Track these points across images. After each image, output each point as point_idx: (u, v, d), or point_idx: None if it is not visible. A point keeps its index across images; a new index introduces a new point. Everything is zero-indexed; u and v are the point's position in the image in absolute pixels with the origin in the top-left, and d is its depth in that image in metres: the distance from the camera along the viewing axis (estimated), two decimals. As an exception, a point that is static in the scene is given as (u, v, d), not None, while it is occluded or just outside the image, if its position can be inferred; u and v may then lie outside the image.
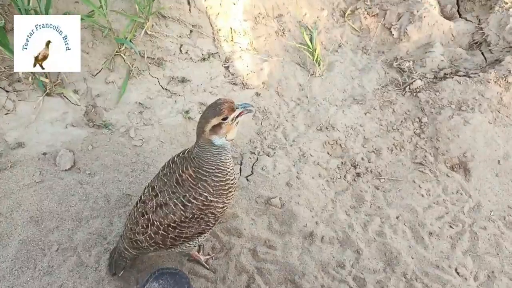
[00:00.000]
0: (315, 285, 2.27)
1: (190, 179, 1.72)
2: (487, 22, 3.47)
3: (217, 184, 1.73)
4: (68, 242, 2.26)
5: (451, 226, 2.58)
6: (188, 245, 1.95)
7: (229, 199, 1.82)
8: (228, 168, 1.76)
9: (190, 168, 1.73)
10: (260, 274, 2.28)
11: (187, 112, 2.91)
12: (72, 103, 2.79)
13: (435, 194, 2.71)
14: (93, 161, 2.59)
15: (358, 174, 2.78)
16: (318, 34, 3.50)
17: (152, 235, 1.81)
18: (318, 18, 3.63)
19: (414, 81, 3.19)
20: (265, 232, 2.44)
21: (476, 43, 3.51)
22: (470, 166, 2.80)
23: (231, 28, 3.27)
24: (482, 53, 3.42)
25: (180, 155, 1.85)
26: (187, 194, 1.72)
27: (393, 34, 3.55)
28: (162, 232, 1.79)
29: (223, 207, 1.82)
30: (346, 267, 2.35)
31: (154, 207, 1.78)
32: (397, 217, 2.58)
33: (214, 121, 1.60)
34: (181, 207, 1.73)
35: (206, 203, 1.74)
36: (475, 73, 3.18)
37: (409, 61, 3.36)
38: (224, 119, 1.60)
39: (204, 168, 1.71)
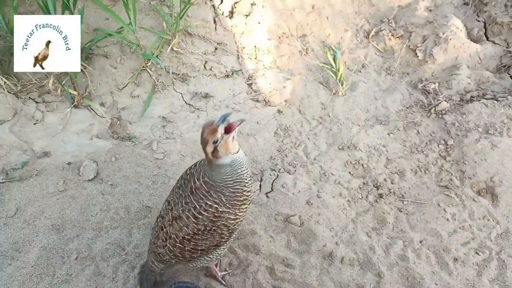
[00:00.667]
0: (334, 307, 2.19)
1: (204, 186, 1.72)
2: (516, 46, 3.41)
3: (233, 195, 1.71)
4: (87, 251, 2.27)
5: (477, 253, 2.47)
6: (208, 258, 1.93)
7: (242, 211, 1.79)
8: (246, 180, 1.75)
9: (205, 177, 1.72)
10: (277, 294, 2.23)
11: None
12: (98, 115, 2.86)
13: (460, 218, 2.61)
14: (115, 172, 2.63)
15: (380, 195, 2.71)
16: (342, 54, 3.51)
17: (171, 248, 1.82)
18: (342, 39, 3.65)
19: (440, 103, 3.13)
20: (284, 250, 2.39)
21: (504, 66, 3.44)
22: (498, 191, 2.70)
23: (255, 46, 3.32)
24: (511, 77, 3.34)
25: (193, 167, 1.86)
26: (197, 205, 1.71)
27: (418, 56, 3.53)
28: (179, 245, 1.80)
29: (236, 219, 1.79)
30: (366, 290, 2.27)
31: (171, 220, 1.80)
32: (420, 241, 2.49)
33: (209, 148, 1.60)
34: (193, 220, 1.73)
35: (217, 215, 1.72)
36: (503, 97, 3.11)
37: (435, 83, 3.32)
38: (215, 142, 1.59)
39: (219, 182, 1.70)
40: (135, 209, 2.46)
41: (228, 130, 1.60)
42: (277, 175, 2.76)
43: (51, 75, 2.72)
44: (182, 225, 1.75)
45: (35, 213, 2.37)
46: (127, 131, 2.87)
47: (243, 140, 2.92)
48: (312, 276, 2.30)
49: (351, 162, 2.89)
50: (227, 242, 1.92)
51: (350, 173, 2.85)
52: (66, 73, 2.78)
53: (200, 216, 1.71)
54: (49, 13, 2.53)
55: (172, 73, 3.08)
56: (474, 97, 3.19)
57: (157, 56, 3.00)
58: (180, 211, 1.75)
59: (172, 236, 1.79)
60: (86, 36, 2.86)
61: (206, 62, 3.18)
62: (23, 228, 2.32)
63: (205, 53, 3.21)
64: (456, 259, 2.42)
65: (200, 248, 1.81)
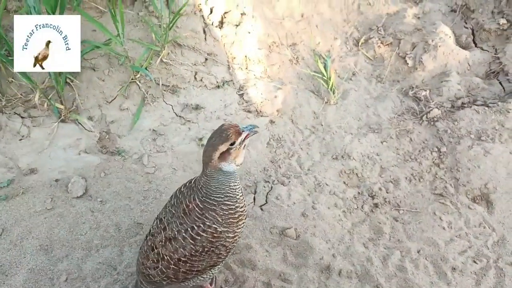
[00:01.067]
0: (333, 322, 2.15)
1: (196, 209, 1.67)
2: (504, 52, 3.44)
3: (226, 213, 1.67)
4: (77, 271, 2.19)
5: (475, 261, 2.45)
6: (202, 278, 1.87)
7: (239, 228, 1.75)
8: (238, 195, 1.70)
9: (197, 198, 1.67)
10: (274, 310, 2.17)
11: (200, 139, 2.88)
12: (86, 130, 2.79)
13: (457, 227, 2.60)
14: (105, 188, 2.55)
15: (375, 205, 2.69)
16: (332, 62, 3.50)
17: (164, 269, 1.75)
18: (331, 47, 3.65)
19: (431, 110, 3.14)
20: (280, 264, 2.34)
21: (493, 72, 3.47)
22: (493, 198, 2.70)
23: (245, 56, 3.29)
24: (500, 83, 3.37)
25: (187, 184, 1.81)
26: (194, 226, 1.65)
27: (407, 63, 3.54)
28: (173, 266, 1.72)
29: (234, 237, 1.74)
30: (365, 303, 2.24)
31: (163, 241, 1.72)
32: (418, 251, 2.47)
33: (222, 147, 1.55)
34: (191, 241, 1.66)
35: (216, 235, 1.67)
36: (494, 103, 3.13)
37: (425, 90, 3.32)
38: (232, 144, 1.56)
39: (212, 197, 1.65)
40: (126, 226, 2.39)
41: (239, 134, 1.58)
42: (271, 187, 2.72)
43: (37, 89, 2.64)
44: (177, 246, 1.68)
45: (22, 233, 2.28)
46: (116, 145, 2.80)
47: (235, 152, 2.87)
48: (310, 290, 2.25)
49: (345, 172, 2.86)
50: (223, 262, 1.87)
51: (344, 183, 2.82)
52: (52, 87, 2.71)
53: (199, 238, 1.65)
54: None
55: (162, 84, 3.03)
56: (465, 104, 3.20)
57: (146, 68, 2.94)
58: (176, 232, 1.69)
59: (166, 257, 1.71)
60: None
61: (196, 73, 3.14)
62: (10, 249, 2.23)
63: (195, 64, 3.16)
64: (454, 269, 2.40)
65: (196, 269, 1.74)
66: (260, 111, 3.14)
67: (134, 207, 2.49)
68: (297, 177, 2.79)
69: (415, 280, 2.33)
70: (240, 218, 1.73)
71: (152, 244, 1.77)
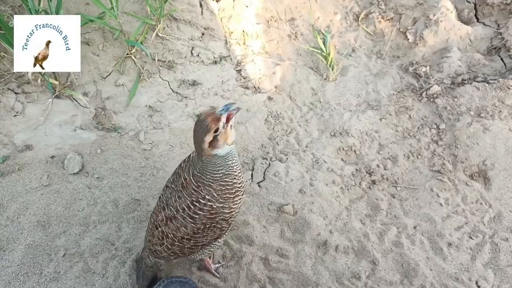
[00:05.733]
0: (329, 296, 2.18)
1: (193, 181, 1.66)
2: (507, 27, 3.37)
3: (223, 188, 1.65)
4: (75, 247, 2.20)
5: (471, 237, 2.47)
6: (209, 249, 1.90)
7: (236, 203, 1.74)
8: (236, 172, 1.68)
9: (196, 174, 1.65)
10: (272, 284, 2.20)
11: (198, 116, 2.85)
12: (82, 106, 2.74)
13: (454, 203, 2.61)
14: (101, 165, 2.53)
15: (373, 182, 2.69)
16: (332, 38, 3.44)
17: (169, 246, 1.76)
18: (331, 22, 3.57)
19: (431, 86, 3.10)
20: (277, 240, 2.36)
21: (495, 48, 3.41)
22: (490, 174, 2.70)
23: (243, 31, 3.21)
24: (502, 59, 3.31)
25: (186, 159, 1.80)
26: (190, 205, 1.64)
27: (408, 39, 3.47)
28: (178, 243, 1.74)
29: (231, 211, 1.74)
30: (361, 278, 2.26)
31: (165, 220, 1.72)
32: (414, 227, 2.48)
33: (208, 138, 1.52)
34: (190, 220, 1.66)
35: (213, 212, 1.66)
36: (494, 79, 3.09)
37: (426, 66, 3.27)
38: (216, 131, 1.52)
39: (208, 176, 1.63)
40: (124, 203, 2.39)
41: (227, 119, 1.54)
42: (269, 164, 2.71)
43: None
44: (179, 225, 1.68)
45: (19, 210, 2.28)
46: (112, 121, 2.77)
47: (233, 128, 2.84)
48: (307, 265, 2.27)
49: (343, 149, 2.84)
50: (227, 232, 1.89)
51: (342, 160, 2.81)
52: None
53: (197, 216, 1.65)
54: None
55: (158, 60, 2.97)
56: (465, 80, 3.16)
57: (141, 43, 2.88)
58: (175, 212, 1.68)
59: (169, 235, 1.72)
60: (66, 23, 2.72)
61: (193, 48, 3.07)
62: (7, 225, 2.22)
63: (191, 39, 3.09)
64: (450, 244, 2.42)
65: (200, 243, 1.76)
66: (258, 88, 3.09)
67: (131, 183, 2.48)
68: (295, 154, 2.78)
69: (411, 255, 2.35)
70: (236, 193, 1.71)
71: (155, 223, 1.78)
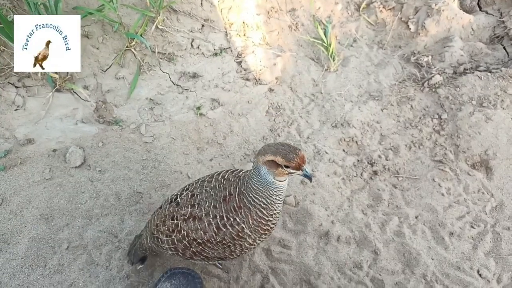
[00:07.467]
0: (331, 286, 2.19)
1: (237, 199, 1.64)
2: (510, 16, 3.34)
3: (259, 219, 1.65)
4: (79, 240, 2.21)
5: (472, 226, 2.47)
6: (206, 263, 1.87)
7: (259, 240, 1.73)
8: (275, 210, 1.67)
9: (242, 192, 1.64)
10: (274, 275, 2.21)
11: (198, 108, 2.85)
12: (82, 99, 2.74)
13: (455, 193, 2.61)
14: (103, 158, 2.54)
15: (375, 172, 2.68)
16: (333, 28, 3.41)
17: (175, 241, 1.75)
18: (332, 12, 3.54)
19: (433, 76, 3.08)
20: (280, 231, 2.36)
21: (498, 37, 3.38)
22: (492, 164, 2.69)
23: (243, 22, 3.19)
24: (504, 48, 3.29)
25: (235, 173, 1.76)
26: (224, 217, 1.64)
27: (410, 28, 3.44)
28: (186, 243, 1.72)
29: (252, 244, 1.73)
30: (363, 268, 2.27)
31: (187, 216, 1.70)
32: (416, 217, 2.49)
33: (278, 159, 1.50)
34: (215, 229, 1.65)
35: (240, 235, 1.66)
36: (497, 68, 3.07)
37: (428, 56, 3.25)
38: (286, 166, 1.51)
39: (251, 195, 1.62)
40: (126, 195, 2.40)
41: (297, 168, 1.52)
42: (270, 155, 2.70)
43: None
44: (199, 227, 1.67)
45: (22, 203, 2.29)
46: (113, 114, 2.77)
47: (234, 120, 2.84)
48: (309, 256, 2.28)
49: (344, 140, 2.84)
50: (228, 259, 1.86)
51: (344, 150, 2.80)
52: (45, 56, 2.64)
53: (224, 229, 1.65)
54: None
55: (158, 52, 2.96)
56: (467, 70, 3.14)
57: (141, 35, 2.87)
58: (203, 214, 1.67)
59: (182, 232, 1.71)
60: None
61: (193, 40, 3.06)
62: (10, 219, 2.24)
63: (191, 31, 3.08)
64: (452, 233, 2.43)
65: (205, 254, 1.75)
66: (259, 79, 3.08)
67: (133, 176, 2.49)
68: (296, 146, 2.77)
69: (413, 244, 2.35)
70: (266, 231, 1.71)
71: (174, 213, 1.75)
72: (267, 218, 1.66)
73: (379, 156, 2.76)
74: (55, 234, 2.21)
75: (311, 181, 1.58)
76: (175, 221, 1.73)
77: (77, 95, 2.75)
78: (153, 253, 1.99)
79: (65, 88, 2.73)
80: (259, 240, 1.72)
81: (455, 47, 3.26)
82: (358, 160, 2.75)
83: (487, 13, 3.50)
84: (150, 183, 2.47)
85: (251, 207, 1.63)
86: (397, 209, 2.53)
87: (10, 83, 2.65)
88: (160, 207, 1.89)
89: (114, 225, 2.28)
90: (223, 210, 1.65)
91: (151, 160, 2.58)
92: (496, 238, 2.43)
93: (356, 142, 2.83)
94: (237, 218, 1.63)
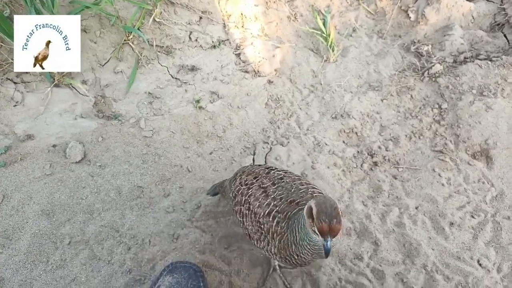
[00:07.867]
0: (332, 277, 2.20)
1: (286, 212, 1.70)
2: (511, 2, 3.30)
3: (283, 244, 1.68)
4: (80, 235, 2.22)
5: (472, 216, 2.48)
6: (260, 251, 1.99)
7: (282, 259, 1.76)
8: (300, 253, 1.64)
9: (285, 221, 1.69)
10: (275, 267, 2.22)
11: (198, 101, 2.84)
12: (81, 94, 2.74)
13: (456, 183, 2.61)
14: (103, 153, 2.54)
15: (375, 163, 2.68)
16: (332, 18, 3.38)
17: (240, 192, 1.90)
18: (331, 1, 3.50)
19: (433, 65, 3.06)
20: (280, 223, 2.37)
21: (498, 24, 3.35)
22: (493, 153, 2.68)
23: (241, 14, 3.17)
24: (505, 35, 3.26)
25: (302, 190, 1.79)
26: (277, 212, 1.71)
27: (410, 17, 3.41)
28: (244, 198, 1.85)
29: (274, 254, 1.77)
30: (364, 259, 2.28)
31: (263, 187, 1.82)
32: (416, 207, 2.49)
33: (314, 210, 1.43)
34: (266, 212, 1.73)
35: (272, 234, 1.72)
36: (497, 57, 3.04)
37: (428, 45, 3.22)
38: (312, 219, 1.45)
39: (291, 223, 1.65)
40: (127, 190, 2.40)
41: (321, 231, 1.44)
42: (270, 148, 2.71)
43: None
44: (260, 199, 1.78)
45: (23, 199, 2.30)
46: (112, 109, 2.76)
47: (233, 113, 2.84)
48: (309, 248, 2.29)
49: (344, 131, 2.83)
50: (276, 258, 1.85)
51: (344, 142, 2.80)
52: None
53: (269, 219, 1.72)
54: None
55: (156, 45, 2.94)
56: (467, 58, 3.12)
57: (138, 28, 2.84)
58: (271, 195, 1.77)
59: (249, 191, 1.84)
60: (62, 10, 2.69)
61: (191, 32, 3.03)
62: (12, 215, 2.25)
63: (189, 23, 3.05)
64: (452, 224, 2.43)
65: (243, 219, 1.86)
66: (258, 71, 3.07)
67: (133, 171, 2.49)
68: (296, 138, 2.77)
69: (413, 235, 2.36)
70: (286, 258, 1.72)
71: (259, 177, 1.89)
72: (290, 251, 1.67)
73: (379, 147, 2.76)
74: (56, 229, 2.23)
75: (326, 257, 1.50)
76: (254, 181, 1.87)
77: (76, 90, 2.74)
78: (222, 193, 2.20)
79: (64, 83, 2.72)
80: (279, 258, 1.76)
81: (455, 35, 3.23)
82: (358, 151, 2.74)
83: (487, 0, 3.46)
84: (150, 177, 2.48)
85: (287, 230, 1.65)
86: (397, 199, 2.53)
87: (9, 79, 2.64)
88: (259, 165, 2.05)
89: (116, 219, 2.30)
90: (281, 207, 1.72)
91: (151, 154, 2.58)
92: (496, 228, 2.43)
93: (356, 133, 2.83)
94: (286, 235, 1.67)
